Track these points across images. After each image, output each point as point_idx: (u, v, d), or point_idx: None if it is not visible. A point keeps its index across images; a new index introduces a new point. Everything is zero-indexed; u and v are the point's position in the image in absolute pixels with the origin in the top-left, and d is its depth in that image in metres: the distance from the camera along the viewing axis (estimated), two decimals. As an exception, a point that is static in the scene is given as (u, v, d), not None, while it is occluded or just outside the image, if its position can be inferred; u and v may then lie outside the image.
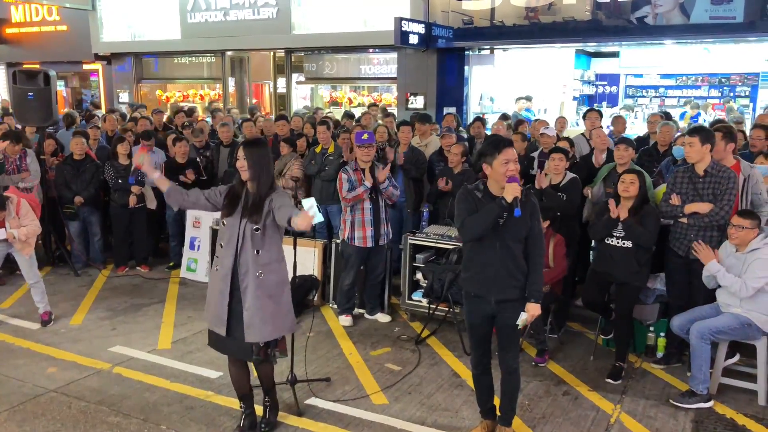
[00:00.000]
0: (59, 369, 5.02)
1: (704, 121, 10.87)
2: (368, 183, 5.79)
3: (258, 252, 3.72)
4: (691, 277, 4.90)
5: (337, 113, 12.78)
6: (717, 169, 4.78)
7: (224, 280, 3.76)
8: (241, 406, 4.11)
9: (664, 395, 4.67)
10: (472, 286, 3.80)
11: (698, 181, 4.80)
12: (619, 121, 8.17)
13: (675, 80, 15.69)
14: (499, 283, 3.68)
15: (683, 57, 14.37)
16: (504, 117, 9.15)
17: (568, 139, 6.72)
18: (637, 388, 4.80)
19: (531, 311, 3.71)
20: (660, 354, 5.24)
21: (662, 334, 5.23)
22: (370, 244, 5.89)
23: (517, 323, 3.74)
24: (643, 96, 16.01)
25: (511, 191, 3.49)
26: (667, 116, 7.95)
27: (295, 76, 13.35)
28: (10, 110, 9.75)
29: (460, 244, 5.71)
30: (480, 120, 8.62)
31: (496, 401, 4.06)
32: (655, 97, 15.87)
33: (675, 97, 15.57)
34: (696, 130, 4.88)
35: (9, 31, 16.16)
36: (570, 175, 5.70)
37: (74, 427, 4.17)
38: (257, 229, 3.72)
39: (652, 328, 5.35)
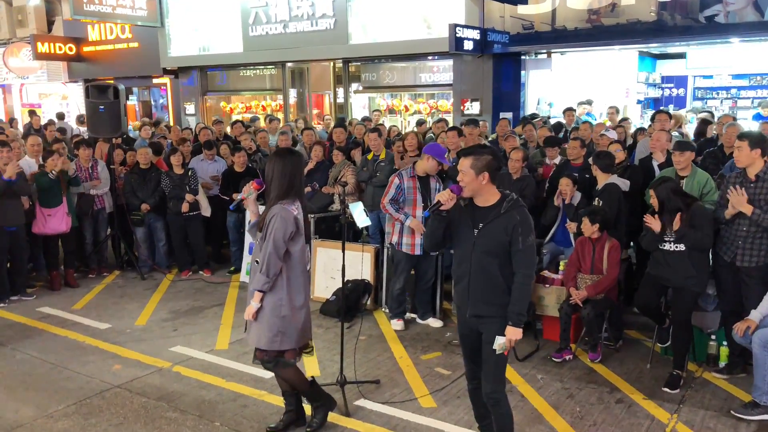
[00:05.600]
0: (124, 366, 5.28)
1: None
2: (409, 222, 5.75)
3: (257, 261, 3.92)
4: (740, 283, 4.71)
5: (394, 121, 12.91)
6: None
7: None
8: (284, 403, 4.25)
9: (725, 406, 4.48)
10: (455, 297, 3.68)
11: (749, 187, 4.63)
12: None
13: (748, 80, 14.97)
14: (472, 296, 3.49)
15: (757, 56, 13.73)
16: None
17: (621, 142, 6.56)
18: (697, 398, 4.63)
19: (509, 335, 3.37)
20: (722, 363, 5.04)
21: (724, 342, 5.03)
22: (418, 252, 5.90)
23: (494, 348, 3.40)
24: (713, 98, 15.36)
25: (438, 195, 3.54)
26: None
27: (353, 86, 13.55)
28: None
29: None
30: (530, 122, 8.48)
31: None
32: (727, 98, 15.19)
33: (748, 98, 14.87)
34: (745, 135, 4.75)
35: (86, 49, 17.15)
36: (610, 180, 5.56)
37: (135, 421, 4.38)
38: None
39: (713, 336, 5.14)
